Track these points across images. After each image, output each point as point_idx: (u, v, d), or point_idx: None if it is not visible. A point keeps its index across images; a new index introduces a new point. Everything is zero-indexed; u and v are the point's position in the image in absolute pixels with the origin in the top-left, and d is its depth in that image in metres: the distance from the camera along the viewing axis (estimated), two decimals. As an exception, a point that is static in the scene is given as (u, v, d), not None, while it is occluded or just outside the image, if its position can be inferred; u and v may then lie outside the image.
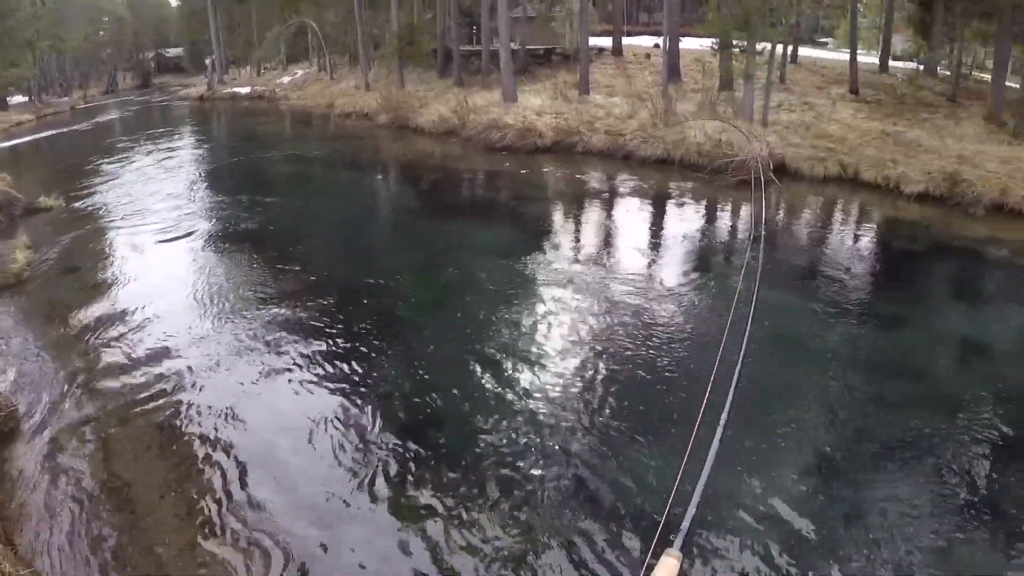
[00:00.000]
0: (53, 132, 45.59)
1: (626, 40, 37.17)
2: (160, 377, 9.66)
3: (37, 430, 8.59)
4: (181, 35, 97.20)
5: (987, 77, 28.72)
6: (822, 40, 44.85)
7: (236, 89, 58.67)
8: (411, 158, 26.08)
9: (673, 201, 17.80)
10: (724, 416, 4.09)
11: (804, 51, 32.77)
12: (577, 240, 15.07)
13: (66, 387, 9.61)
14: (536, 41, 36.23)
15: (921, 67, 31.86)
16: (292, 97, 49.82)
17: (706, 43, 26.45)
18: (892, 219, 17.52)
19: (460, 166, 23.68)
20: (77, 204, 20.87)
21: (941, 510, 6.67)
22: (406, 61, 36.78)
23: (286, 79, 57.45)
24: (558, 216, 17.12)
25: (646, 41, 37.09)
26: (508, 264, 13.26)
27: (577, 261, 13.42)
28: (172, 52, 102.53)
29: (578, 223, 16.48)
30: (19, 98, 64.64)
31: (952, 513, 6.64)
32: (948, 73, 30.06)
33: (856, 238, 16.08)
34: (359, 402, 8.69)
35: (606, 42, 36.32)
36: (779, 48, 26.02)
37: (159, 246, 16.00)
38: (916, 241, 16.06)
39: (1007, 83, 29.45)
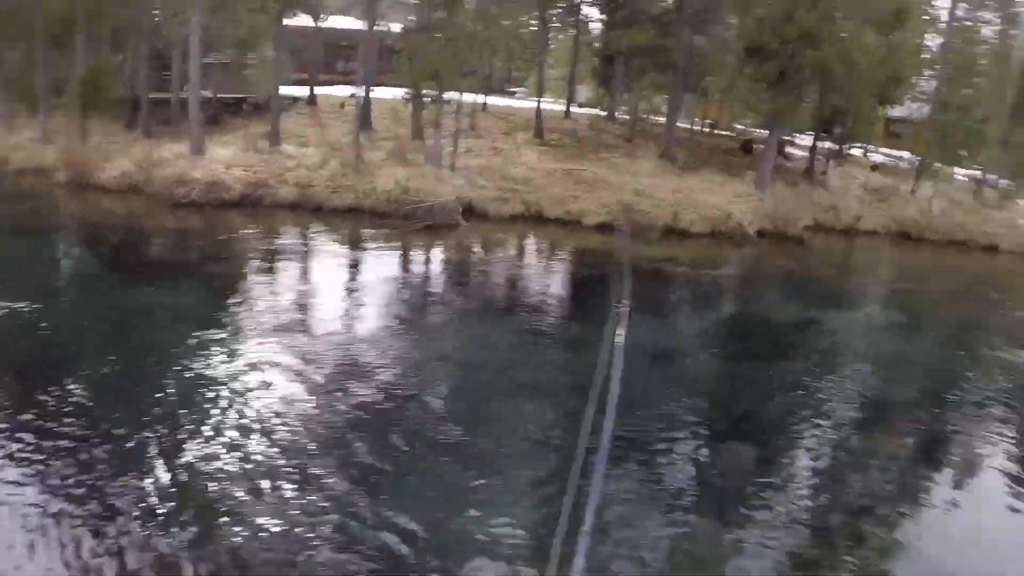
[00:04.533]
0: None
1: (321, 89, 36.83)
2: None
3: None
4: None
5: (662, 120, 31.82)
6: (513, 90, 47.25)
7: None
8: (92, 220, 23.83)
9: (363, 249, 17.93)
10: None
11: (494, 100, 34.30)
12: (264, 301, 14.41)
13: None
14: (229, 89, 34.92)
15: (603, 113, 34.64)
16: (-42, 153, 44.49)
17: (400, 92, 26.84)
18: (573, 249, 18.82)
19: (143, 225, 22.03)
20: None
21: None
22: (91, 109, 33.94)
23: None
24: (248, 276, 16.44)
25: (342, 91, 36.99)
26: (201, 332, 12.37)
27: (269, 325, 12.76)
28: None
29: (268, 282, 15.93)
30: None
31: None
32: (627, 117, 32.84)
33: (540, 266, 17.15)
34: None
35: (302, 91, 35.75)
36: (469, 97, 27.08)
37: None
38: (596, 266, 17.39)
39: (678, 124, 32.98)
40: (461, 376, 10.70)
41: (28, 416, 9.48)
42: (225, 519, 7.41)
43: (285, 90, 30.64)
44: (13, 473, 8.06)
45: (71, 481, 7.96)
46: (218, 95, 33.23)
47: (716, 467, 9.62)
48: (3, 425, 9.24)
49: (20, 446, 8.64)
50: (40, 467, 8.26)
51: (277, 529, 7.26)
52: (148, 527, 7.27)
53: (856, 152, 43.98)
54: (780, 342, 15.52)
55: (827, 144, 36.25)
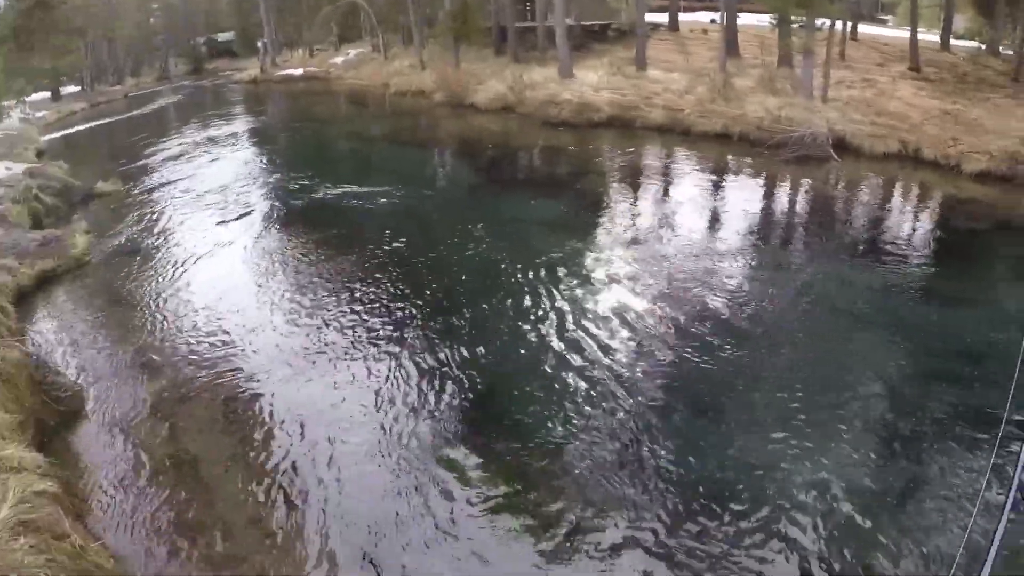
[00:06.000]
0: (108, 120, 46.13)
1: (683, 16, 36.89)
2: (222, 352, 9.88)
3: (103, 410, 8.77)
4: (232, 19, 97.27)
5: (1052, 56, 28.12)
6: (882, 17, 44.03)
7: (289, 71, 59.19)
8: (469, 135, 26.28)
9: (730, 175, 18.04)
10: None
11: (864, 28, 32.31)
12: (627, 217, 15.19)
13: (130, 367, 9.76)
14: (591, 17, 36.15)
15: (983, 46, 31.22)
16: (346, 77, 50.20)
17: (764, 19, 26.36)
18: (953, 197, 17.44)
19: (517, 141, 23.87)
20: (134, 188, 21.35)
21: None
22: (460, 39, 36.93)
23: (339, 59, 57.86)
24: (615, 192, 17.25)
25: (703, 17, 36.87)
26: (565, 238, 13.49)
27: (637, 239, 13.54)
28: (223, 37, 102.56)
29: (634, 199, 16.61)
30: (72, 88, 65.52)
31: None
32: (1011, 53, 29.40)
33: (912, 214, 16.12)
34: (413, 370, 8.95)
35: (662, 18, 36.05)
36: (838, 24, 25.78)
37: (217, 227, 16.26)
38: (980, 220, 16.00)
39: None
40: (816, 317, 10.07)
41: (405, 296, 11.24)
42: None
43: (648, 17, 31.14)
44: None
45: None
46: (581, 22, 34.55)
47: None
48: (384, 301, 11.05)
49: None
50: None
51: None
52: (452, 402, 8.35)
53: None
54: None
55: None
